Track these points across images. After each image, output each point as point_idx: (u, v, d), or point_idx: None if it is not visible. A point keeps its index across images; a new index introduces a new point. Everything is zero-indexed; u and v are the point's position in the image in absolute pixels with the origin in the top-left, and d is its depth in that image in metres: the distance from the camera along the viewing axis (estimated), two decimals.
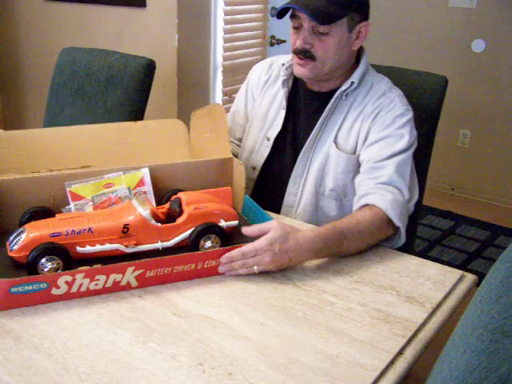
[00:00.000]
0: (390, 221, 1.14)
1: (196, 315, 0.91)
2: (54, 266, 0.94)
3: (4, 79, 3.10)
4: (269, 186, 1.41)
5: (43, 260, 0.94)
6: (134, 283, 0.97)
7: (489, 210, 3.30)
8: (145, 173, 1.19)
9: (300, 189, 1.35)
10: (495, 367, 0.55)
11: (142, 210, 1.02)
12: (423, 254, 2.71)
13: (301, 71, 1.29)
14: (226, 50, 2.72)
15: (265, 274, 1.02)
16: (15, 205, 1.12)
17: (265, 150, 1.40)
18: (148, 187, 1.19)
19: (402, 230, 1.16)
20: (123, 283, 0.96)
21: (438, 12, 3.19)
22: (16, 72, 3.03)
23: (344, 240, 1.07)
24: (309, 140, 1.32)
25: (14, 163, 1.24)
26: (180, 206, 1.08)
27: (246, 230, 1.05)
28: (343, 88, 1.29)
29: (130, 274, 0.96)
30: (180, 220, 1.05)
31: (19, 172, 1.22)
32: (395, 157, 1.22)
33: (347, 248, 1.09)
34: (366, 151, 1.27)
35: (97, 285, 0.94)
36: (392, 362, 0.83)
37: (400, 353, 0.85)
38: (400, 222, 1.14)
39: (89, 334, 0.85)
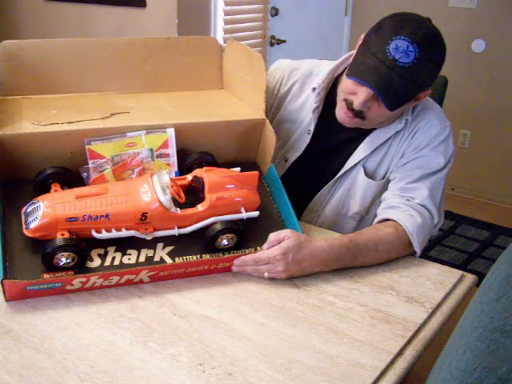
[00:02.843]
0: (410, 244, 1.11)
1: (196, 315, 0.91)
2: (69, 260, 0.94)
3: None
4: None
5: (59, 255, 0.93)
6: (146, 279, 0.98)
7: (489, 209, 3.30)
8: (170, 135, 1.12)
9: (322, 208, 1.31)
10: (495, 367, 0.55)
11: (163, 195, 0.99)
12: (423, 254, 2.69)
13: (345, 120, 1.21)
14: None
15: None
16: (32, 158, 1.07)
17: (281, 170, 1.32)
18: (172, 150, 1.13)
19: (418, 255, 1.14)
20: (136, 280, 0.97)
21: (438, 12, 3.19)
22: None
23: (359, 255, 1.05)
24: (343, 170, 1.27)
25: (28, 76, 1.17)
26: (203, 187, 1.04)
27: (264, 247, 1.02)
28: (399, 127, 1.22)
29: (144, 275, 0.96)
30: (200, 208, 1.03)
31: (33, 93, 1.15)
32: (429, 178, 1.18)
33: (361, 263, 1.06)
34: (398, 170, 1.22)
35: (110, 282, 0.95)
36: (392, 362, 0.83)
37: (400, 353, 0.85)
38: (419, 249, 1.12)
39: (89, 334, 0.85)
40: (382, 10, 3.44)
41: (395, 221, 1.12)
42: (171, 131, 1.12)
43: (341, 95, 1.21)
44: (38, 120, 1.09)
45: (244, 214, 1.05)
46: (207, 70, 1.30)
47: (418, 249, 1.12)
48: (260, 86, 1.19)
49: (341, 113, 1.21)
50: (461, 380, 0.56)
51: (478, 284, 0.86)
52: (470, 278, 1.07)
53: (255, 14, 2.90)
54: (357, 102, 1.14)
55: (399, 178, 1.21)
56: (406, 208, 1.14)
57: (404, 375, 0.82)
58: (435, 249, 2.81)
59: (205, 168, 1.08)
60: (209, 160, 1.17)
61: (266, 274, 1.00)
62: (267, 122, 1.18)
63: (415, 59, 1.07)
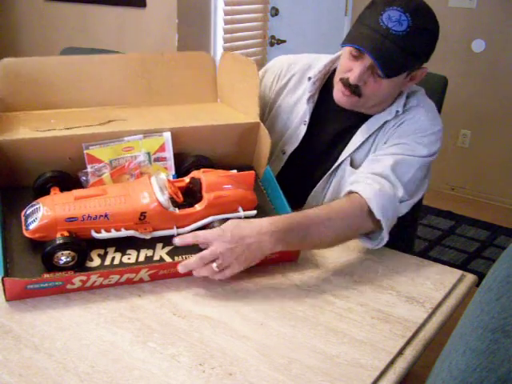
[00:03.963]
0: (370, 212, 1.05)
1: (196, 315, 0.91)
2: (69, 259, 0.94)
3: None
4: None
5: (59, 254, 0.93)
6: (146, 278, 0.98)
7: (489, 209, 3.30)
8: (167, 138, 1.14)
9: (320, 202, 1.29)
10: (495, 367, 0.55)
11: (161, 194, 1.00)
12: (423, 254, 2.71)
13: (342, 100, 1.20)
14: (226, 50, 2.72)
15: (265, 273, 1.02)
16: (31, 164, 1.08)
17: (279, 164, 1.32)
18: (169, 153, 1.14)
19: (384, 225, 1.06)
20: (136, 279, 0.97)
21: (438, 12, 3.17)
22: None
23: (311, 226, 1.00)
24: (337, 163, 1.25)
25: (27, 93, 1.19)
26: (200, 187, 1.05)
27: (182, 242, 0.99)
28: (389, 118, 1.22)
29: (144, 273, 0.97)
30: (198, 207, 1.03)
31: (32, 108, 1.17)
32: (398, 155, 1.15)
33: (318, 236, 1.01)
34: (375, 152, 1.21)
35: (110, 281, 0.95)
36: (392, 362, 0.83)
37: (400, 353, 0.85)
38: (381, 216, 1.05)
39: (89, 334, 0.85)
40: None
41: (351, 191, 1.10)
42: (167, 135, 1.14)
43: (337, 76, 1.22)
44: (37, 127, 1.10)
45: (242, 213, 1.06)
46: (202, 85, 1.32)
47: (378, 214, 1.05)
48: (253, 92, 1.21)
49: (338, 93, 1.21)
50: (461, 380, 0.56)
51: (477, 284, 0.86)
52: (469, 278, 1.07)
53: (255, 14, 2.90)
54: (352, 76, 1.15)
55: (372, 155, 1.20)
56: (364, 179, 1.11)
57: (404, 375, 0.82)
58: (435, 249, 2.81)
59: (202, 170, 1.09)
60: (206, 163, 1.17)
61: (215, 265, 0.94)
62: (262, 125, 1.20)
63: (408, 27, 1.09)
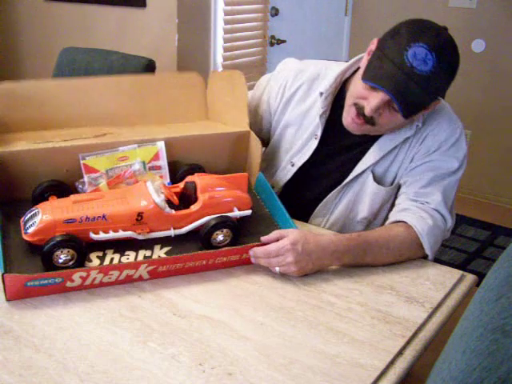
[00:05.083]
0: (421, 246, 1.11)
1: (196, 315, 0.91)
2: (69, 257, 0.95)
3: (4, 79, 3.09)
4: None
5: (58, 252, 0.94)
6: (145, 276, 0.98)
7: (489, 209, 3.30)
8: (160, 147, 1.17)
9: (329, 212, 1.29)
10: (495, 367, 0.55)
11: (157, 196, 1.02)
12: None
13: (352, 127, 1.18)
14: (225, 49, 2.72)
15: (265, 273, 1.03)
16: (29, 176, 1.11)
17: (287, 175, 1.31)
18: (163, 162, 1.17)
19: (430, 257, 1.13)
20: (135, 276, 0.98)
21: (438, 12, 3.19)
22: (16, 72, 3.03)
23: (369, 250, 1.05)
24: (351, 176, 1.24)
25: (23, 115, 1.21)
26: (195, 190, 1.07)
27: (266, 238, 1.03)
28: (409, 134, 1.20)
29: (143, 270, 0.97)
30: (194, 208, 1.05)
31: (28, 129, 1.19)
32: (440, 182, 1.17)
33: (372, 260, 1.06)
34: (408, 174, 1.21)
35: (110, 278, 0.96)
36: (392, 362, 0.83)
37: (400, 353, 0.85)
38: (430, 251, 1.12)
39: (89, 334, 0.85)
40: (382, 10, 3.44)
41: (405, 222, 1.12)
42: (161, 144, 1.17)
43: (350, 99, 1.18)
44: (35, 140, 1.13)
45: (237, 213, 1.07)
46: (192, 104, 1.35)
47: (428, 251, 1.11)
48: (241, 102, 1.25)
49: (348, 119, 1.18)
50: (461, 380, 0.56)
51: (478, 284, 0.86)
52: (469, 278, 1.07)
53: (255, 13, 2.90)
54: (368, 108, 1.11)
55: (410, 182, 1.19)
56: (417, 210, 1.14)
57: (404, 375, 0.82)
58: None
59: (196, 174, 1.12)
60: (199, 172, 1.19)
61: (278, 269, 1.00)
62: (252, 134, 1.22)
63: (433, 68, 1.05)
